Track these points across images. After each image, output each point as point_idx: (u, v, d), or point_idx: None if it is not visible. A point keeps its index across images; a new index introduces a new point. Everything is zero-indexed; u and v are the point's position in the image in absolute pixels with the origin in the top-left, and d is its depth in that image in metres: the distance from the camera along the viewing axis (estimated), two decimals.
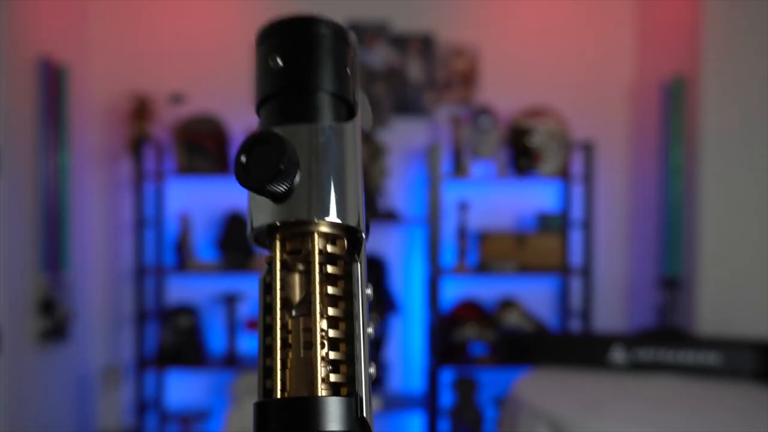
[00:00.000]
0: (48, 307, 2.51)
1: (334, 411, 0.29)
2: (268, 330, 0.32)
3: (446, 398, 2.92)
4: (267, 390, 0.31)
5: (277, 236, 0.32)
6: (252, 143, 0.30)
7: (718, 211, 2.44)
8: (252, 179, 0.30)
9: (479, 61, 3.06)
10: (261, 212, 0.31)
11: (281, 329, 0.31)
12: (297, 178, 0.30)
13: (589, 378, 2.09)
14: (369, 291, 0.32)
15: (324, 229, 0.31)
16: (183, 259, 2.90)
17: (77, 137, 2.83)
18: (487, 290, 3.03)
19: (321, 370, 0.30)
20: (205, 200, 3.04)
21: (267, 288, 0.32)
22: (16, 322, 2.32)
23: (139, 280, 2.83)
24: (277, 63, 0.32)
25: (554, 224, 2.95)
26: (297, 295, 0.32)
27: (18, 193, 2.37)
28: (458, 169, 2.88)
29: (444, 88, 3.06)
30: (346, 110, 0.33)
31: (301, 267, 0.32)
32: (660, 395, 1.92)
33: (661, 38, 2.88)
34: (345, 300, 0.31)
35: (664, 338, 2.21)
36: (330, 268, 0.32)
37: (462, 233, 2.90)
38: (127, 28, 3.05)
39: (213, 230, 3.00)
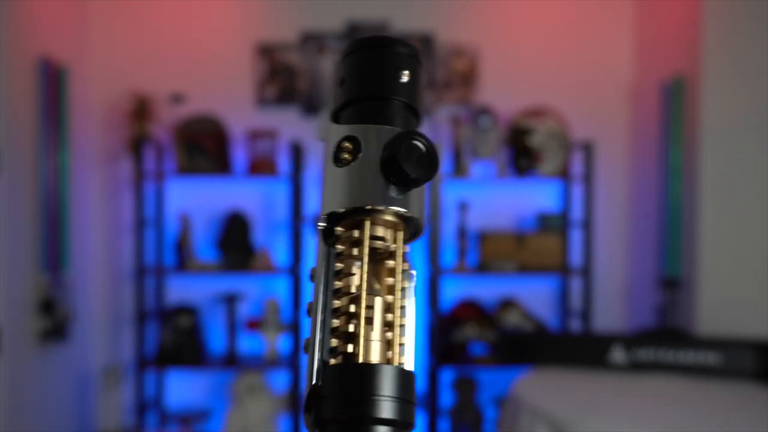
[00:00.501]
0: (48, 307, 2.51)
1: (404, 381, 0.33)
2: (350, 299, 0.35)
3: (446, 398, 2.92)
4: (347, 354, 0.34)
5: (367, 221, 0.35)
6: (407, 139, 0.34)
7: (718, 211, 2.44)
8: (428, 171, 0.34)
9: (479, 61, 3.06)
10: (351, 196, 0.34)
11: (366, 304, 0.35)
12: None
13: (589, 378, 2.09)
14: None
15: (391, 218, 0.35)
16: (183, 259, 2.90)
17: (77, 137, 2.83)
18: (487, 290, 3.03)
19: (396, 345, 0.34)
20: (205, 200, 3.04)
21: (342, 259, 0.36)
22: (16, 322, 2.32)
23: (139, 280, 2.83)
24: (404, 76, 0.36)
25: (554, 224, 2.95)
26: (369, 276, 0.35)
27: (18, 193, 2.37)
28: (458, 169, 2.88)
29: (444, 88, 3.06)
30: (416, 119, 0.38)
31: (355, 251, 0.35)
32: (660, 395, 1.92)
33: (661, 38, 2.88)
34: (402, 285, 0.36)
35: (664, 338, 2.21)
36: (391, 258, 0.36)
37: (462, 233, 2.90)
38: (127, 28, 3.05)
39: (213, 230, 3.00)
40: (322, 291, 0.35)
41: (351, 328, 0.34)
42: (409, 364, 0.35)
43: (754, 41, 2.41)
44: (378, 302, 0.35)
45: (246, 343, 3.00)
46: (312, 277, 0.36)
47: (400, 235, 0.35)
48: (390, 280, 0.35)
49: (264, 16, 3.07)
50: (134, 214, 2.84)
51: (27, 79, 2.45)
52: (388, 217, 0.35)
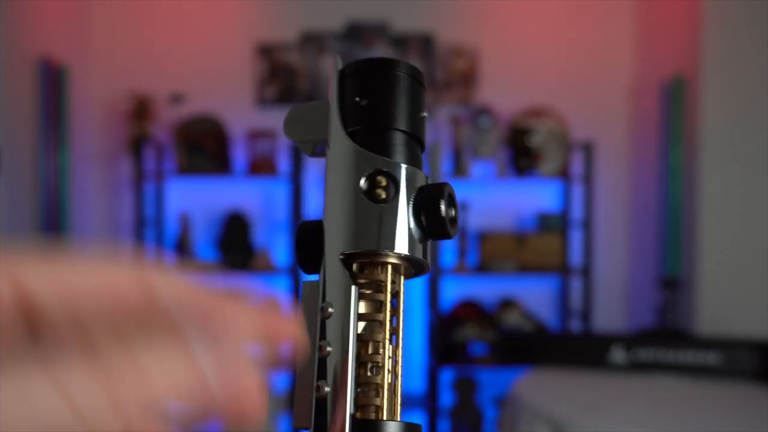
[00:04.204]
0: None
1: None
2: (375, 348, 0.34)
3: (446, 398, 2.92)
4: (377, 407, 0.33)
5: (390, 265, 0.33)
6: (448, 191, 0.33)
7: (718, 211, 2.44)
8: (456, 226, 0.34)
9: (479, 61, 3.06)
10: (384, 238, 0.33)
11: (383, 353, 0.34)
12: None
13: (589, 378, 2.09)
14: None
15: (395, 260, 0.34)
16: (183, 259, 2.90)
17: (77, 137, 2.83)
18: (487, 290, 3.03)
19: (398, 397, 0.34)
20: (205, 200, 3.04)
21: (365, 302, 0.34)
22: None
23: None
24: (425, 114, 0.36)
25: (554, 224, 2.95)
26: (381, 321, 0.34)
27: (18, 193, 2.37)
28: (458, 169, 2.88)
29: (444, 88, 3.06)
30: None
31: (381, 296, 0.34)
32: (660, 395, 1.92)
33: (661, 38, 2.88)
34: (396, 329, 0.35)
35: (664, 338, 2.21)
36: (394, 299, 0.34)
37: (462, 233, 2.90)
38: (127, 29, 3.05)
39: (213, 230, 3.00)
40: (352, 336, 0.32)
41: (378, 380, 0.33)
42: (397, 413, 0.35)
43: (754, 41, 2.41)
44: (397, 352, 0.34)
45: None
46: (324, 311, 0.33)
47: (401, 278, 0.35)
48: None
49: (264, 16, 3.07)
50: (134, 214, 2.84)
51: (27, 79, 2.45)
52: (399, 261, 0.34)
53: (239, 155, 2.98)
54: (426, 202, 0.33)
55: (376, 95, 0.34)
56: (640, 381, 2.05)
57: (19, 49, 2.38)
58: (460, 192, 2.58)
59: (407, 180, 0.33)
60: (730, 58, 2.43)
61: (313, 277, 0.33)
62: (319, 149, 0.36)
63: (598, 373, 2.13)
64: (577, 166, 2.94)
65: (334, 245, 0.33)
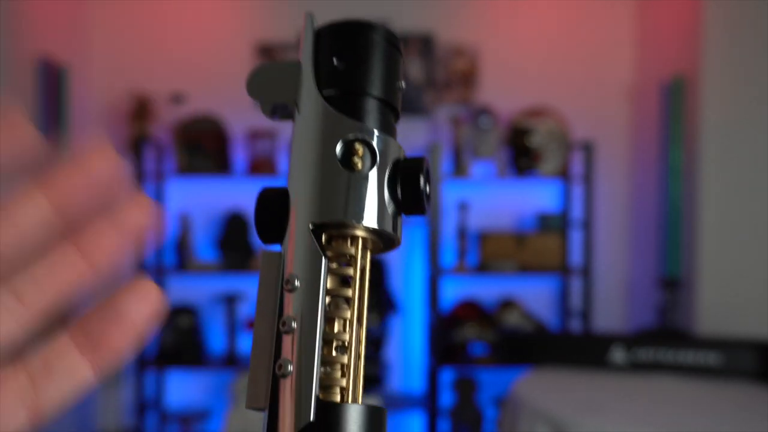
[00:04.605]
0: None
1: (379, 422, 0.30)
2: (342, 326, 0.31)
3: (446, 398, 2.92)
4: (342, 389, 0.30)
5: (360, 238, 0.31)
6: (426, 166, 0.32)
7: (717, 211, 2.44)
8: (428, 202, 0.32)
9: (479, 61, 3.06)
10: (354, 208, 0.31)
11: (350, 332, 0.31)
12: None
13: (589, 378, 2.09)
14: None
15: (364, 234, 0.32)
16: (183, 259, 2.90)
17: (77, 137, 2.83)
18: (487, 290, 3.03)
19: (360, 379, 0.31)
20: (205, 200, 3.04)
21: (343, 282, 0.32)
22: None
23: None
24: (402, 84, 0.35)
25: (554, 224, 2.95)
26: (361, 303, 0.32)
27: None
28: (458, 169, 2.88)
29: (444, 88, 3.06)
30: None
31: (349, 271, 0.32)
32: (660, 395, 1.92)
33: (661, 38, 2.88)
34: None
35: (664, 338, 2.21)
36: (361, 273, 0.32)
37: (462, 233, 2.89)
38: (127, 28, 3.05)
39: (213, 230, 3.00)
40: (320, 312, 0.30)
41: (345, 359, 0.30)
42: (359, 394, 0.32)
43: (754, 41, 2.41)
44: (363, 333, 0.31)
45: (246, 343, 2.99)
46: (290, 284, 0.30)
47: (368, 253, 0.32)
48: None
49: (264, 16, 3.07)
50: None
51: (27, 79, 2.45)
52: (368, 234, 0.32)
53: (239, 155, 2.98)
54: (405, 175, 0.32)
55: (357, 59, 0.33)
56: (640, 381, 2.05)
57: (19, 49, 2.38)
58: (460, 192, 2.58)
59: (381, 150, 0.32)
60: (730, 58, 2.43)
61: (274, 248, 0.32)
62: (280, 111, 0.34)
63: (598, 373, 2.13)
64: (577, 166, 2.94)
65: (302, 214, 0.31)
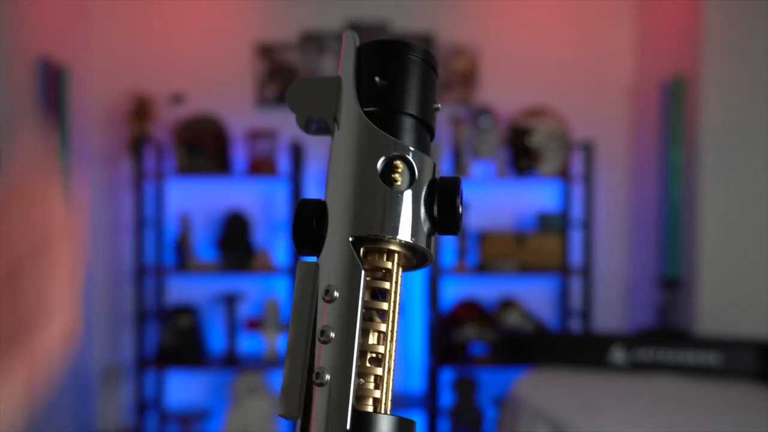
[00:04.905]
0: None
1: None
2: (378, 338, 0.32)
3: (446, 398, 2.92)
4: (375, 399, 0.31)
5: (396, 253, 0.32)
6: (460, 187, 0.33)
7: (717, 211, 2.44)
8: (461, 222, 0.33)
9: (479, 61, 3.06)
10: (390, 223, 0.32)
11: (386, 344, 0.32)
12: None
13: (589, 378, 2.09)
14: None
15: (399, 249, 0.33)
16: (183, 259, 2.90)
17: (77, 137, 2.83)
18: (487, 290, 3.03)
19: (390, 392, 0.32)
20: (205, 200, 3.04)
21: (379, 295, 0.33)
22: None
23: (139, 280, 2.83)
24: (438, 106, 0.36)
25: (554, 224, 2.95)
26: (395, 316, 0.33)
27: None
28: (458, 169, 2.88)
29: (444, 88, 3.06)
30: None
31: (385, 285, 0.33)
32: (660, 395, 1.92)
33: (661, 38, 2.88)
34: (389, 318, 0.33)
35: (664, 338, 2.21)
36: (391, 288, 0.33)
37: (462, 233, 2.90)
38: (127, 29, 3.05)
39: (213, 230, 3.00)
40: (359, 323, 0.30)
41: (378, 371, 0.31)
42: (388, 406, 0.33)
43: (754, 41, 2.41)
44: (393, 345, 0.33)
45: (246, 343, 3.00)
46: (327, 294, 0.31)
47: (400, 270, 0.33)
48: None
49: (264, 16, 3.07)
50: (134, 214, 2.84)
51: (27, 79, 2.45)
52: (403, 250, 0.33)
53: (239, 155, 2.98)
54: (443, 194, 0.32)
55: (399, 78, 0.34)
56: (640, 381, 2.05)
57: (19, 49, 2.38)
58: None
59: (419, 168, 0.33)
60: (730, 58, 2.43)
61: (311, 259, 0.32)
62: (315, 125, 0.34)
63: (598, 373, 2.13)
64: (577, 166, 2.94)
65: (342, 227, 0.31)
